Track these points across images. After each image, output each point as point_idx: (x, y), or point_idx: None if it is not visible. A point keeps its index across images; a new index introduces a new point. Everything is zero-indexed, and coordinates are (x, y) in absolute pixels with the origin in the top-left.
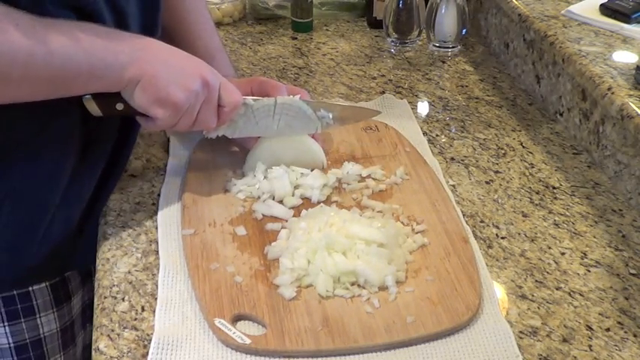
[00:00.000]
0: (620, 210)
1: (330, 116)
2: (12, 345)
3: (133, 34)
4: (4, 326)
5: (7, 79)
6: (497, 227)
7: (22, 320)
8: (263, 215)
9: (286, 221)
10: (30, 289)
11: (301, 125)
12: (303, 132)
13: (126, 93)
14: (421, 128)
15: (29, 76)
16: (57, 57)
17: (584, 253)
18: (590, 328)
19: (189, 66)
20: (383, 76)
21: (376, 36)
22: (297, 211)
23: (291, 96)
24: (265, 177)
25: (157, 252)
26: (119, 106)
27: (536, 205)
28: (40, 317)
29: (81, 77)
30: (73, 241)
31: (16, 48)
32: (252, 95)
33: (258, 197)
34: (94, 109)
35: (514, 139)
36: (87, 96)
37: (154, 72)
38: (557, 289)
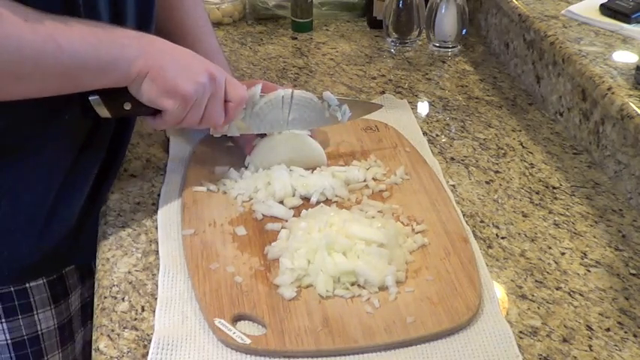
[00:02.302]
0: (620, 210)
1: (348, 109)
2: (9, 341)
3: (138, 32)
4: (2, 323)
5: (17, 74)
6: (497, 227)
7: (20, 317)
8: (263, 215)
9: (286, 221)
10: (27, 285)
11: (314, 117)
12: (315, 125)
13: (134, 87)
14: (421, 128)
15: (39, 72)
16: (66, 52)
17: (584, 253)
18: (590, 328)
19: (195, 61)
20: (383, 76)
21: (376, 36)
22: (297, 211)
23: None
24: (267, 182)
25: (157, 252)
26: (127, 106)
27: (536, 205)
28: (37, 314)
29: (90, 72)
30: (71, 239)
31: (26, 43)
32: None
33: (251, 198)
34: (102, 111)
35: (514, 139)
36: (95, 98)
37: (162, 64)
38: (557, 289)
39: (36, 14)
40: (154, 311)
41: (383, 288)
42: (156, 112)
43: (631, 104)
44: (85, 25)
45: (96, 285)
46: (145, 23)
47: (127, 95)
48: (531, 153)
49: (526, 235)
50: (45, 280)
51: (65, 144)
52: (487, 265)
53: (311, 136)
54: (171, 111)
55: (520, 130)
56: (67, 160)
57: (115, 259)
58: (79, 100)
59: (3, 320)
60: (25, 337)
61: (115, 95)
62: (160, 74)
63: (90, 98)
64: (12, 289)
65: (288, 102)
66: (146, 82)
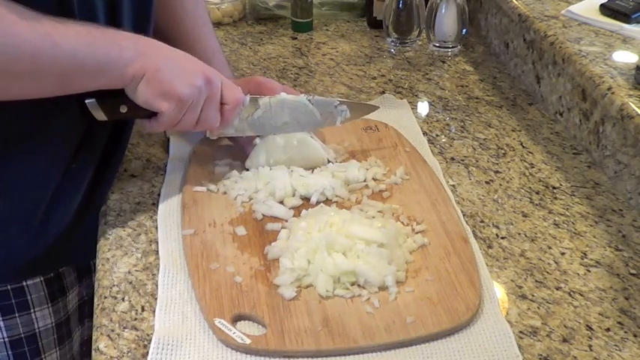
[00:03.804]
0: (620, 210)
1: (347, 110)
2: (7, 339)
3: (134, 34)
4: None
5: (14, 73)
6: (497, 227)
7: (17, 315)
8: (263, 215)
9: (286, 221)
10: (24, 284)
11: (307, 120)
12: (308, 128)
13: (130, 89)
14: (421, 128)
15: (36, 70)
16: (63, 51)
17: (584, 253)
18: (590, 328)
19: (191, 63)
20: (383, 76)
21: (376, 36)
22: (297, 211)
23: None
24: (267, 182)
25: (157, 252)
26: (123, 109)
27: (536, 205)
28: (34, 312)
29: (86, 72)
30: (69, 237)
31: (24, 41)
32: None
33: (251, 198)
34: (98, 114)
35: (514, 139)
36: (91, 101)
37: (158, 67)
38: (557, 289)
39: (33, 13)
40: (154, 311)
41: (383, 288)
42: (152, 115)
43: (631, 104)
44: (81, 26)
45: (96, 285)
46: (142, 25)
47: (122, 98)
48: (531, 153)
49: (526, 235)
50: (42, 279)
51: (61, 142)
52: (487, 265)
53: (312, 137)
54: (167, 113)
55: (520, 130)
56: (63, 158)
57: (115, 259)
58: (75, 100)
59: (0, 319)
60: (23, 336)
61: (111, 98)
62: (156, 76)
63: (86, 101)
64: (9, 287)
65: (281, 106)
66: (142, 83)
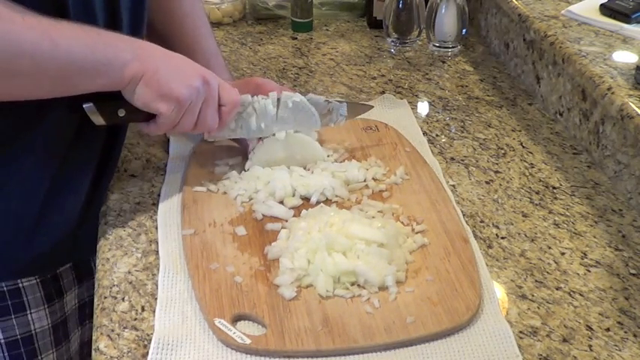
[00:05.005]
0: (620, 210)
1: (345, 109)
2: (2, 341)
3: (131, 37)
4: None
5: (13, 71)
6: (497, 227)
7: (13, 316)
8: (263, 215)
9: (286, 221)
10: (20, 285)
11: (304, 119)
12: (306, 127)
13: (128, 91)
14: (421, 128)
15: (35, 70)
16: (62, 51)
17: (584, 253)
18: (590, 328)
19: (189, 65)
20: (383, 76)
21: (376, 36)
22: (297, 211)
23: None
24: (267, 182)
25: (157, 252)
26: (121, 112)
27: (536, 205)
28: (30, 313)
29: (84, 72)
30: (66, 238)
31: (24, 39)
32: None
33: (251, 198)
34: (96, 118)
35: (514, 139)
36: (89, 106)
37: (156, 68)
38: (557, 289)
39: (32, 13)
40: (154, 311)
41: (383, 288)
42: (149, 118)
43: (631, 104)
44: (79, 27)
45: (96, 285)
46: (137, 24)
47: (120, 101)
48: (531, 153)
49: (526, 235)
50: (38, 280)
51: (55, 142)
52: (487, 265)
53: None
54: (166, 115)
55: (520, 130)
56: (57, 159)
57: (115, 259)
58: (67, 98)
59: None
60: (19, 337)
61: (109, 102)
62: (154, 78)
63: (84, 106)
64: (5, 288)
65: (276, 107)
66: (140, 85)
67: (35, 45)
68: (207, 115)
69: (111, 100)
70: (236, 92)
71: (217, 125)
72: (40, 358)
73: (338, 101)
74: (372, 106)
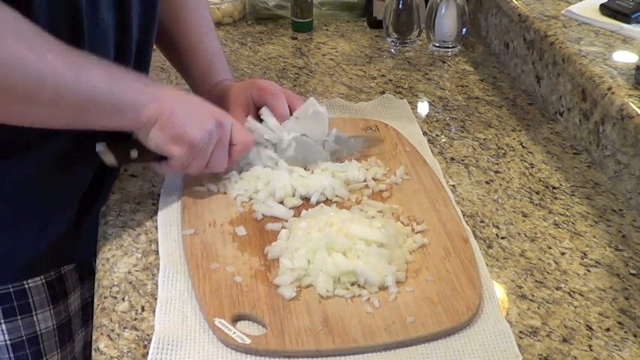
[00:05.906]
0: (620, 210)
1: (360, 143)
2: (8, 342)
3: (149, 78)
4: (1, 324)
5: (34, 98)
6: (497, 227)
7: (19, 317)
8: (263, 215)
9: (286, 221)
10: (26, 286)
11: (311, 154)
12: (314, 162)
13: (142, 133)
14: (421, 128)
15: (55, 100)
16: (84, 83)
17: (584, 253)
18: (590, 328)
19: (203, 107)
20: (383, 76)
21: (376, 36)
22: (297, 211)
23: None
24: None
25: (157, 252)
26: (133, 154)
27: (536, 205)
28: (36, 314)
29: (102, 110)
30: (70, 237)
31: (49, 68)
32: (252, 100)
33: (251, 198)
34: (109, 158)
35: (514, 139)
36: (102, 146)
37: (172, 111)
38: (557, 289)
39: (60, 43)
40: (154, 311)
41: (383, 288)
42: (161, 159)
43: (631, 104)
44: (102, 64)
45: (96, 285)
46: (148, 27)
47: (133, 142)
48: (531, 153)
49: (526, 235)
50: (44, 281)
51: (59, 142)
52: (487, 265)
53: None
54: (178, 158)
55: (520, 130)
56: (63, 158)
57: (115, 259)
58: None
59: (2, 321)
60: (24, 338)
61: (122, 143)
62: (169, 121)
63: (97, 150)
64: (11, 289)
65: (289, 144)
66: (155, 128)
67: (59, 75)
68: (219, 157)
69: (123, 140)
70: (248, 133)
71: (227, 166)
72: (45, 358)
73: (356, 137)
74: (382, 141)
